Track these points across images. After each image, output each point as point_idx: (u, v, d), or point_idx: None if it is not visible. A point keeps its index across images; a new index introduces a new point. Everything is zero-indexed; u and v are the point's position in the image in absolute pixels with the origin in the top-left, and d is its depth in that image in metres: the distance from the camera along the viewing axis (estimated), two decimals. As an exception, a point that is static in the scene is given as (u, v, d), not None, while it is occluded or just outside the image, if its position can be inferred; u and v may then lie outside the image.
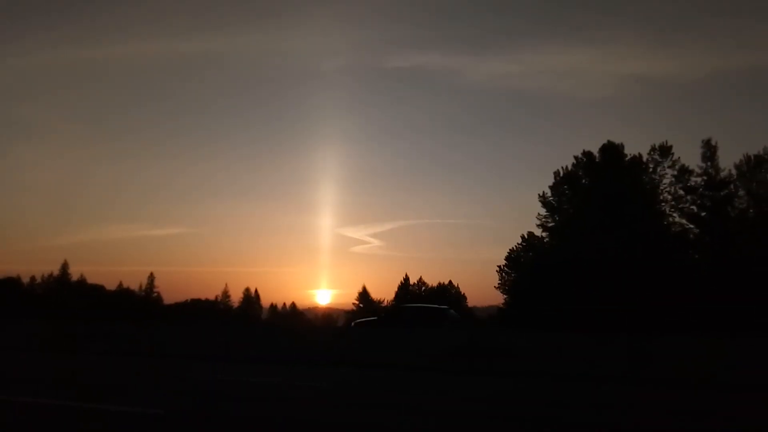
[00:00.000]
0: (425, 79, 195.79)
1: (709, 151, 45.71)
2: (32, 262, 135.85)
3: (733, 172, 45.09)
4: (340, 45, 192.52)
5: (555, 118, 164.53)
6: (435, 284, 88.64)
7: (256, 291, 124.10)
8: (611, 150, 48.68)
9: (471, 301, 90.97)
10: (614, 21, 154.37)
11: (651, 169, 47.48)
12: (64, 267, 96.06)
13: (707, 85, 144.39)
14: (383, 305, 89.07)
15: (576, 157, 50.65)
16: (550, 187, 51.17)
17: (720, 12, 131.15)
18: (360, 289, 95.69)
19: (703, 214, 45.07)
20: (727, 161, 52.39)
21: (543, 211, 51.47)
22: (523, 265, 52.42)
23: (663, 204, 46.82)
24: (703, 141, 46.02)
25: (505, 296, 54.55)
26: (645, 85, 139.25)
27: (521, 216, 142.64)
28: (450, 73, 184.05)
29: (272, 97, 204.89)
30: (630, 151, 48.77)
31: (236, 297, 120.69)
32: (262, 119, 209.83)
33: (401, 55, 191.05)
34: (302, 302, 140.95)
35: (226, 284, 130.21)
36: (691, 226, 45.65)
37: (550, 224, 51.13)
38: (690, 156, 69.47)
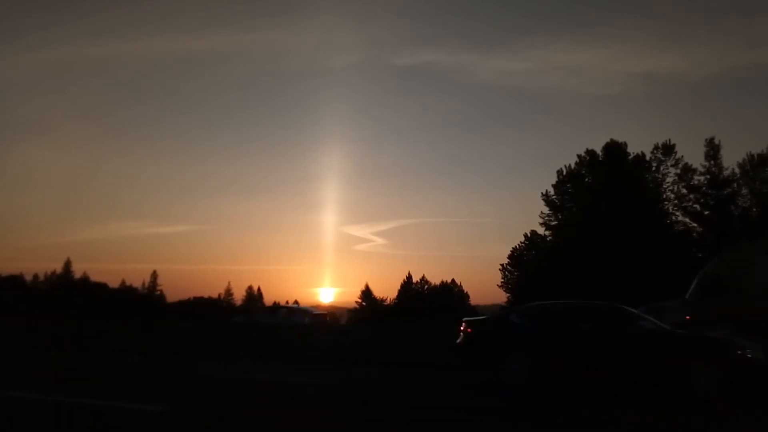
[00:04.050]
0: (432, 77, 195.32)
1: (713, 149, 45.64)
2: (35, 260, 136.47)
3: (736, 170, 45.03)
4: (346, 42, 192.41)
5: (561, 116, 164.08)
6: (438, 282, 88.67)
7: (258, 289, 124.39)
8: (614, 149, 48.62)
9: (474, 300, 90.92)
10: (622, 19, 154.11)
11: (654, 168, 47.43)
12: (67, 265, 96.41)
13: (711, 83, 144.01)
14: (386, 304, 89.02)
15: (579, 156, 50.62)
16: (553, 186, 51.14)
17: (726, 10, 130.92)
18: (363, 287, 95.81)
19: (706, 212, 44.99)
20: (731, 160, 52.22)
21: (546, 210, 51.47)
22: (526, 264, 52.40)
23: (666, 203, 46.76)
24: (706, 140, 45.99)
25: (508, 295, 54.56)
26: (650, 83, 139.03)
27: (525, 214, 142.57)
28: (457, 70, 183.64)
29: (277, 94, 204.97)
30: (634, 149, 48.77)
31: (239, 295, 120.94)
32: (267, 117, 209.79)
33: (408, 52, 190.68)
34: (305, 300, 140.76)
35: (229, 282, 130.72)
36: (694, 224, 45.59)
37: (553, 223, 51.10)
38: (693, 154, 69.41)
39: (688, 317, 19.32)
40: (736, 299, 18.58)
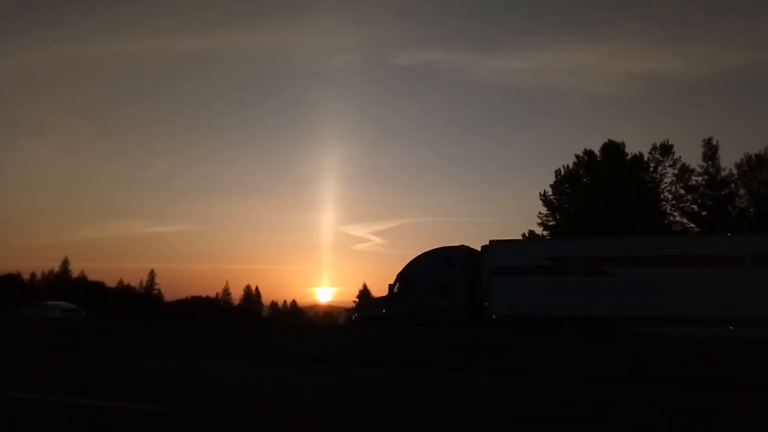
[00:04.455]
0: (431, 77, 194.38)
1: (710, 150, 45.71)
2: (33, 259, 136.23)
3: (734, 171, 45.11)
4: (345, 42, 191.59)
5: (560, 116, 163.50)
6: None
7: (256, 288, 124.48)
8: (612, 149, 48.64)
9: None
10: (621, 19, 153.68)
11: (652, 168, 47.48)
12: (65, 264, 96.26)
13: (709, 83, 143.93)
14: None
15: (577, 156, 50.62)
16: (552, 186, 51.14)
17: (725, 10, 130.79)
18: (361, 287, 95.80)
19: (704, 213, 45.04)
20: (728, 160, 52.39)
21: (544, 210, 51.44)
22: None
23: (664, 203, 46.80)
24: (704, 140, 46.06)
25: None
26: (649, 83, 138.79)
27: (523, 214, 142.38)
28: (456, 70, 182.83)
29: (276, 94, 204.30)
30: (632, 149, 48.79)
31: (237, 294, 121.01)
32: (266, 116, 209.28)
33: (407, 52, 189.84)
34: (303, 300, 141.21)
35: (227, 282, 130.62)
36: (692, 225, 45.62)
37: (551, 223, 51.06)
38: (691, 155, 69.47)
39: (384, 310, 24.75)
40: (420, 297, 23.97)
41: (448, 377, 14.74)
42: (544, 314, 21.64)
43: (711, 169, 45.35)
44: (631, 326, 20.79)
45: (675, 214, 46.60)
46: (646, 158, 47.71)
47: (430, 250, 25.47)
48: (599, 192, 45.08)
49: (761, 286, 19.31)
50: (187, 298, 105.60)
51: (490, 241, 24.22)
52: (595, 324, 21.08)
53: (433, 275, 24.00)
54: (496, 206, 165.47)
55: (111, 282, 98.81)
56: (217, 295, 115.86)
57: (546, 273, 22.23)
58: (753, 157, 44.67)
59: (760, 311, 18.93)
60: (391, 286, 24.71)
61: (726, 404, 11.14)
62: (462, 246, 24.95)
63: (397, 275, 24.99)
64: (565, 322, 21.27)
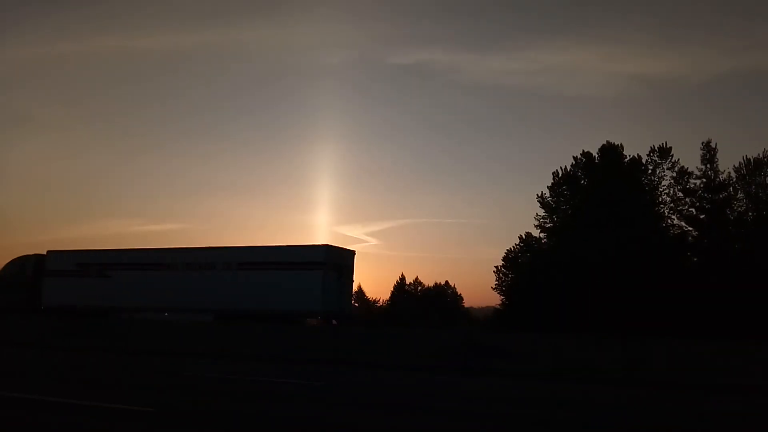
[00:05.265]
0: (426, 76, 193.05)
1: (709, 153, 45.60)
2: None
3: (733, 174, 45.01)
4: (339, 41, 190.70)
5: (558, 117, 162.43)
6: (432, 284, 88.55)
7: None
8: (610, 151, 48.52)
9: (468, 302, 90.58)
10: (620, 20, 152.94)
11: (650, 171, 47.37)
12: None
13: (709, 86, 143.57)
14: (378, 305, 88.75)
15: (575, 158, 50.51)
16: (549, 188, 51.00)
17: (725, 13, 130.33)
18: (355, 288, 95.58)
19: (702, 216, 44.96)
20: (727, 164, 52.27)
21: (541, 212, 51.30)
22: (520, 266, 52.21)
23: (662, 206, 46.69)
24: (702, 143, 45.93)
25: (502, 297, 54.34)
26: (648, 85, 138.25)
27: (519, 216, 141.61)
28: (452, 70, 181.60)
29: (271, 93, 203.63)
30: (630, 151, 48.57)
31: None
32: (261, 116, 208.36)
33: (402, 51, 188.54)
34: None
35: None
36: (690, 228, 45.57)
37: (548, 225, 50.92)
38: (689, 158, 69.42)
39: None
40: (3, 292, 31.52)
41: (441, 380, 14.63)
42: (73, 305, 29.39)
43: (709, 172, 45.22)
44: (126, 313, 29.66)
45: (673, 217, 46.51)
46: (644, 161, 47.62)
47: (16, 257, 33.95)
48: (597, 194, 45.00)
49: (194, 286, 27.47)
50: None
51: (47, 251, 32.35)
52: (104, 312, 29.20)
53: (12, 276, 32.50)
54: (493, 207, 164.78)
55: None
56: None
57: (75, 275, 30.48)
58: (751, 160, 44.60)
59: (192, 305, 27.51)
60: None
61: (716, 407, 11.07)
62: (35, 254, 33.07)
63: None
64: (87, 311, 29.08)
